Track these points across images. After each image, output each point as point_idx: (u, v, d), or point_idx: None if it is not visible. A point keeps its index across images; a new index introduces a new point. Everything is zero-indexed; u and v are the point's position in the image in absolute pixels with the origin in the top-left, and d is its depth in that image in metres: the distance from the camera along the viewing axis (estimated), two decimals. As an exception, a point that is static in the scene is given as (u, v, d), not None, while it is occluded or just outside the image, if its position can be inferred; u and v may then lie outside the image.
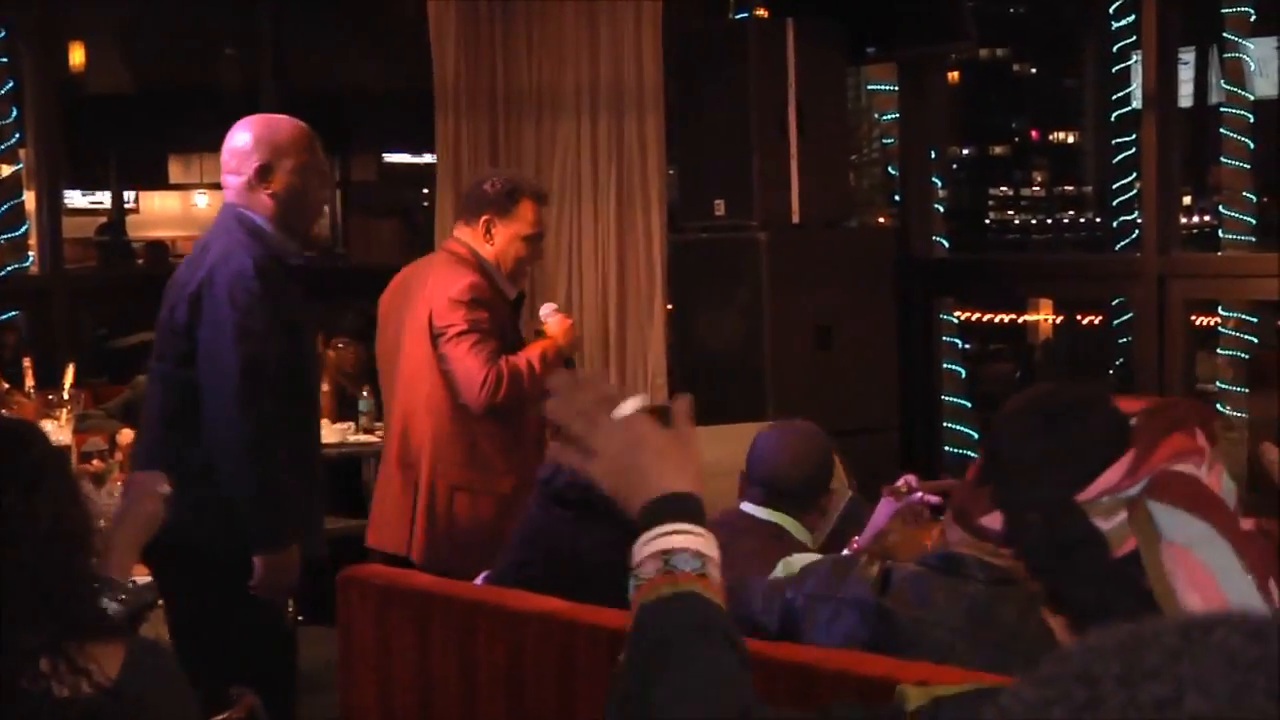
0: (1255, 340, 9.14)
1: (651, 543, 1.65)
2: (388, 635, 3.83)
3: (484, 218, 4.82)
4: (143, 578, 4.83)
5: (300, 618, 6.18)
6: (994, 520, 1.52)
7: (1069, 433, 1.46)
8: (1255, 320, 9.15)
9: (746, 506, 3.72)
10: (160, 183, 13.65)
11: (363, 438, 7.09)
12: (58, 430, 5.55)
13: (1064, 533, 1.42)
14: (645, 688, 1.58)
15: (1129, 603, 1.38)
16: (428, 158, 9.36)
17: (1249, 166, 9.29)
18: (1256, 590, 1.37)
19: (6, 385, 6.00)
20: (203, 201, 14.01)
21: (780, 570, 3.34)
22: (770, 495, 3.64)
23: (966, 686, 1.51)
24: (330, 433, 7.01)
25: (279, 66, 9.22)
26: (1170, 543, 1.38)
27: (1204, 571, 1.37)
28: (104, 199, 12.85)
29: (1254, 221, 9.31)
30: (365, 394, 7.25)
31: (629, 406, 1.75)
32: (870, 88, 9.42)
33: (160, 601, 4.80)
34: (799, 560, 3.36)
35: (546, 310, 4.89)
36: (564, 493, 3.64)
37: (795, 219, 7.62)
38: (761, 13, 7.95)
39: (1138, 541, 1.40)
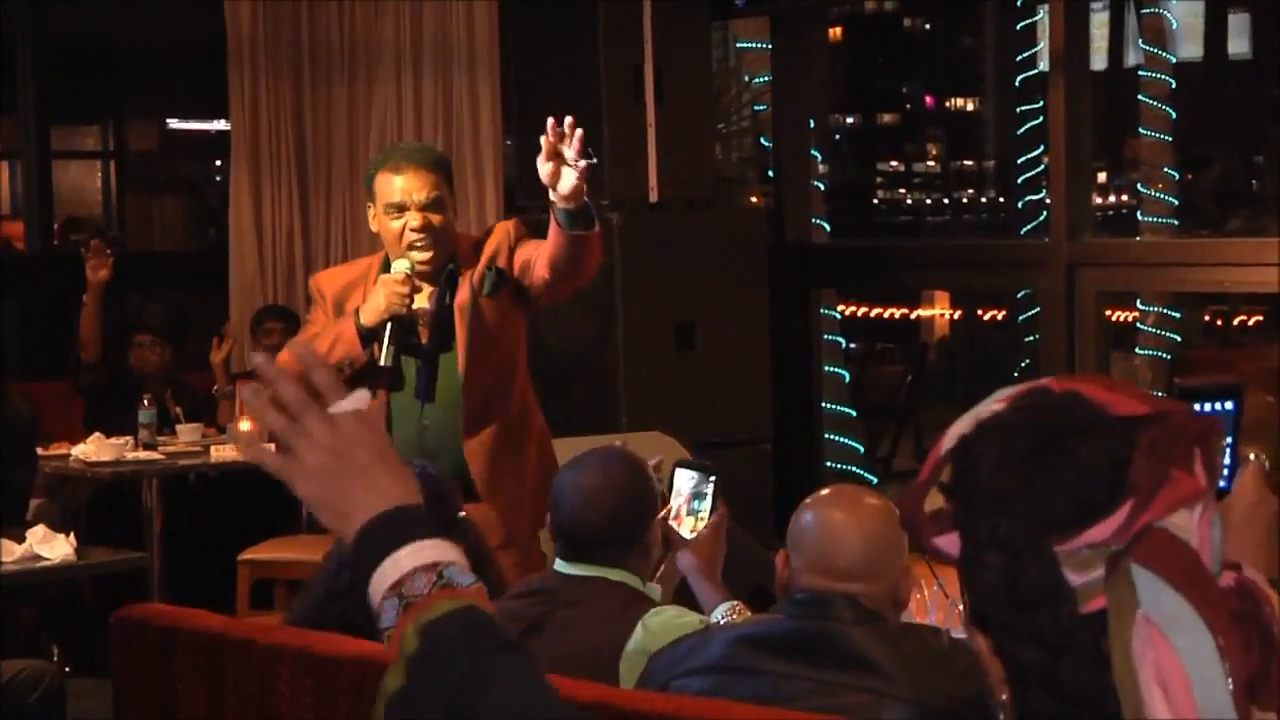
0: (1179, 339, 9.33)
1: (406, 558, 1.68)
2: (171, 686, 3.79)
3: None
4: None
5: (67, 669, 6.12)
6: (950, 544, 1.49)
7: (1060, 466, 1.42)
8: (1178, 316, 9.34)
9: (559, 565, 3.69)
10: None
11: (142, 455, 6.99)
12: None
13: (1029, 584, 1.40)
14: (461, 706, 1.60)
15: (1081, 670, 1.38)
16: (220, 124, 9.27)
17: (1170, 139, 9.46)
18: (1230, 701, 1.38)
19: None
20: (-53, 175, 13.75)
21: (639, 639, 3.37)
22: (573, 549, 3.62)
23: None
24: (103, 448, 6.92)
25: (38, 14, 9.09)
26: (1147, 616, 1.38)
27: (1178, 667, 1.36)
28: None
29: (1176, 202, 9.49)
30: (146, 402, 7.15)
31: (350, 403, 1.77)
32: (739, 46, 9.49)
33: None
34: (656, 622, 3.39)
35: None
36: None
37: (652, 198, 7.65)
38: (613, -43, 7.94)
39: (1110, 605, 1.39)
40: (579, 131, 4.41)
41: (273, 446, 1.83)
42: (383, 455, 1.75)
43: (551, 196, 4.49)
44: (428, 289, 4.75)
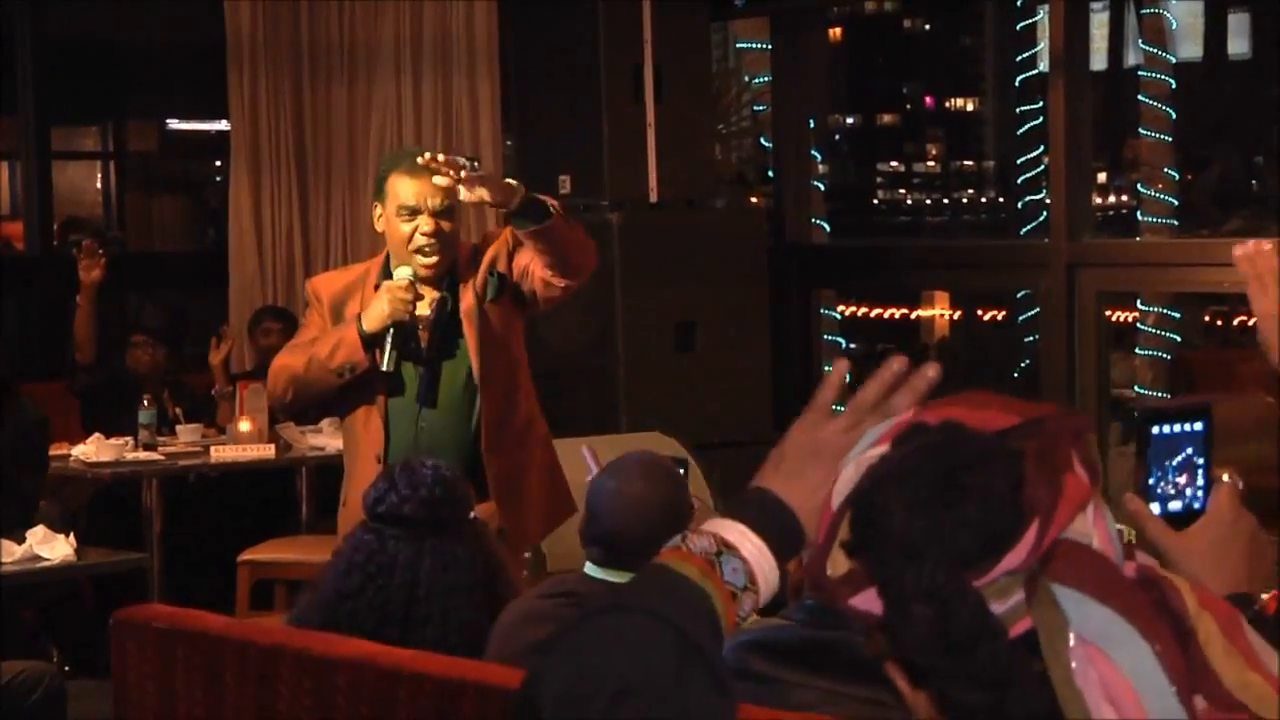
0: (1178, 339, 9.32)
1: (725, 527, 1.66)
2: (171, 687, 3.78)
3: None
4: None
5: (67, 669, 6.12)
6: (868, 601, 1.45)
7: (965, 502, 1.40)
8: (1178, 316, 9.34)
9: (590, 569, 3.68)
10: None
11: (142, 455, 6.99)
12: None
13: (960, 628, 1.38)
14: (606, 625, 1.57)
15: (1027, 699, 1.37)
16: (220, 125, 9.27)
17: (1170, 139, 9.46)
18: (1179, 704, 1.37)
19: None
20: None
21: None
22: (611, 555, 3.61)
23: None
24: (103, 448, 6.92)
25: (38, 15, 9.08)
26: (1081, 636, 1.37)
27: (1123, 683, 1.36)
28: None
29: (1176, 202, 9.48)
30: (146, 403, 7.15)
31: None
32: (739, 46, 9.49)
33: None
34: None
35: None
36: (400, 511, 3.62)
37: (652, 198, 7.65)
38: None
39: (1040, 629, 1.38)
40: (440, 158, 4.50)
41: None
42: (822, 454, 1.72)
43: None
44: (430, 295, 4.76)
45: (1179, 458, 2.18)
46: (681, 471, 3.88)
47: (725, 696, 1.60)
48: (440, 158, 4.50)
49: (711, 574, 1.61)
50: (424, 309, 4.74)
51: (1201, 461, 2.19)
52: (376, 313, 4.63)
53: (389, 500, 3.65)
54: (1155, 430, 2.19)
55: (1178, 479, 2.09)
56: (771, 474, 1.71)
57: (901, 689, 1.47)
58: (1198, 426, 2.20)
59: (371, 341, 4.64)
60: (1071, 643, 1.36)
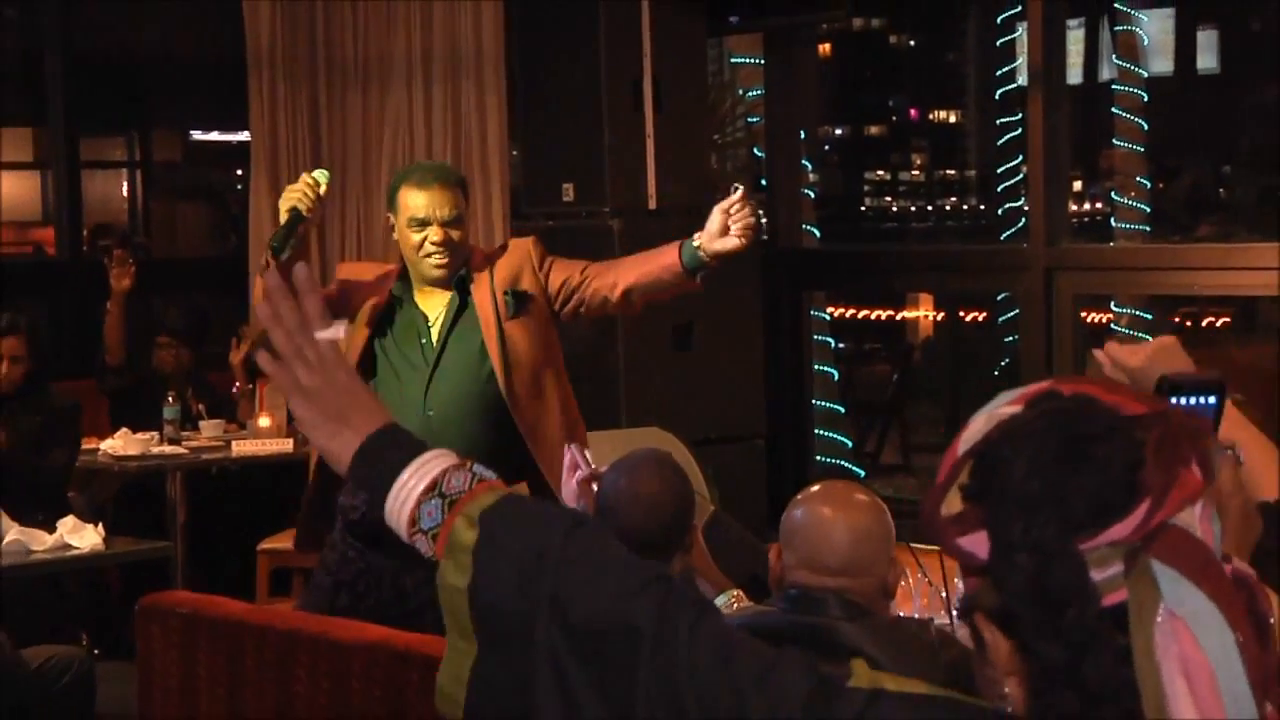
0: (1151, 339, 9.31)
1: (428, 465, 1.71)
2: (194, 670, 3.78)
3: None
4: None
5: (96, 652, 6.11)
6: (977, 544, 1.45)
7: (1085, 469, 1.40)
8: (1150, 317, 9.33)
9: None
10: (-68, 162, 13.37)
11: (167, 449, 6.99)
12: None
13: (1057, 584, 1.38)
14: (538, 580, 1.61)
15: (1104, 667, 1.36)
16: (242, 135, 9.26)
17: (1143, 149, 9.46)
18: (1251, 696, 1.36)
19: None
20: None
21: None
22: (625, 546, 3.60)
23: (911, 687, 1.54)
24: (129, 443, 6.92)
25: (67, 31, 9.07)
26: (1171, 611, 1.36)
27: (1202, 661, 1.35)
28: None
29: (1148, 209, 9.48)
30: (171, 399, 7.15)
31: (328, 332, 1.81)
32: (734, 61, 9.47)
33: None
34: None
35: None
36: (382, 533, 3.60)
37: (651, 205, 7.64)
38: (614, -24, 7.93)
39: (1131, 600, 1.38)
40: (744, 198, 4.54)
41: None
42: (356, 381, 1.79)
43: (701, 240, 4.57)
44: (442, 296, 4.79)
45: None
46: None
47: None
48: (750, 218, 4.52)
49: (494, 484, 1.71)
50: (436, 309, 4.77)
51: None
52: (280, 204, 4.68)
53: (364, 516, 3.62)
54: (1171, 401, 2.18)
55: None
56: (360, 428, 1.75)
57: (985, 636, 1.48)
58: (1211, 400, 2.19)
59: (271, 245, 4.64)
60: (1160, 616, 1.36)
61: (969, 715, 1.51)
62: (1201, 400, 2.21)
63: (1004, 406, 1.50)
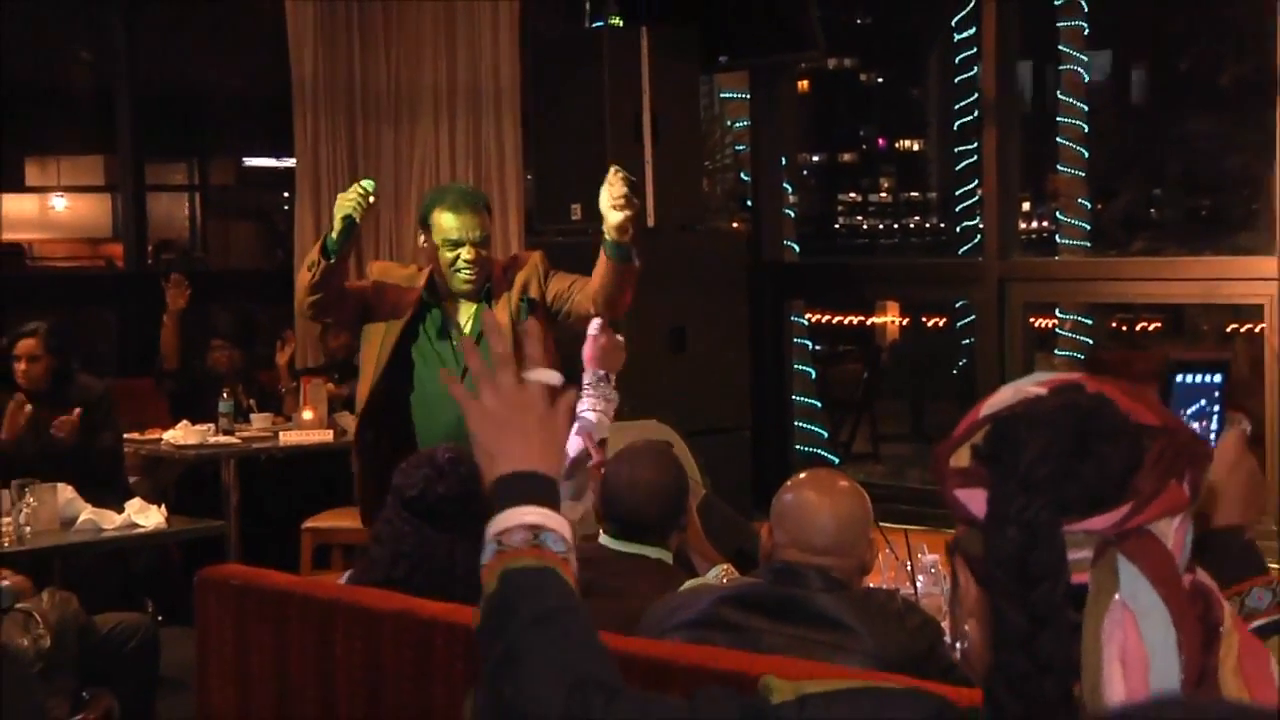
0: (1090, 342, 9.30)
1: (518, 514, 1.67)
2: (245, 635, 3.77)
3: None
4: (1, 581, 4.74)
5: (161, 618, 6.10)
6: (973, 499, 1.43)
7: (1087, 463, 1.38)
8: (1090, 322, 9.32)
9: (605, 540, 3.66)
10: (16, 185, 13.34)
11: (222, 439, 6.98)
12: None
13: (1038, 562, 1.36)
14: (516, 653, 1.58)
15: (1058, 641, 1.35)
16: (288, 162, 9.25)
17: (1083, 174, 9.46)
18: (1179, 691, 1.35)
19: None
20: (60, 204, 13.71)
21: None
22: (628, 530, 3.60)
23: (835, 684, 1.50)
24: (189, 434, 6.91)
25: (133, 69, 9.07)
26: (1124, 602, 1.35)
27: (1141, 653, 1.34)
28: (-43, 202, 12.55)
29: (1089, 227, 9.47)
30: (225, 395, 7.14)
31: (545, 376, 1.77)
32: (723, 95, 9.47)
33: (15, 605, 4.70)
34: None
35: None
36: (438, 509, 3.59)
37: (650, 223, 7.62)
38: (616, 21, 7.95)
39: (1092, 584, 1.36)
40: (620, 175, 4.50)
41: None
42: (547, 428, 1.73)
43: (604, 230, 4.57)
44: (470, 307, 4.80)
45: (1195, 406, 2.15)
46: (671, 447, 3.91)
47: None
48: (623, 189, 4.53)
49: (543, 553, 1.65)
50: (465, 317, 4.79)
51: (1216, 410, 2.16)
52: (338, 210, 4.66)
53: (422, 493, 3.62)
54: (1179, 379, 2.15)
55: (1191, 424, 2.05)
56: (503, 462, 1.71)
57: (960, 578, 1.47)
58: (1216, 378, 2.17)
59: (328, 246, 4.65)
60: (1113, 604, 1.35)
61: (889, 698, 1.49)
62: (1208, 378, 2.18)
63: (1032, 386, 1.47)
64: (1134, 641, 1.34)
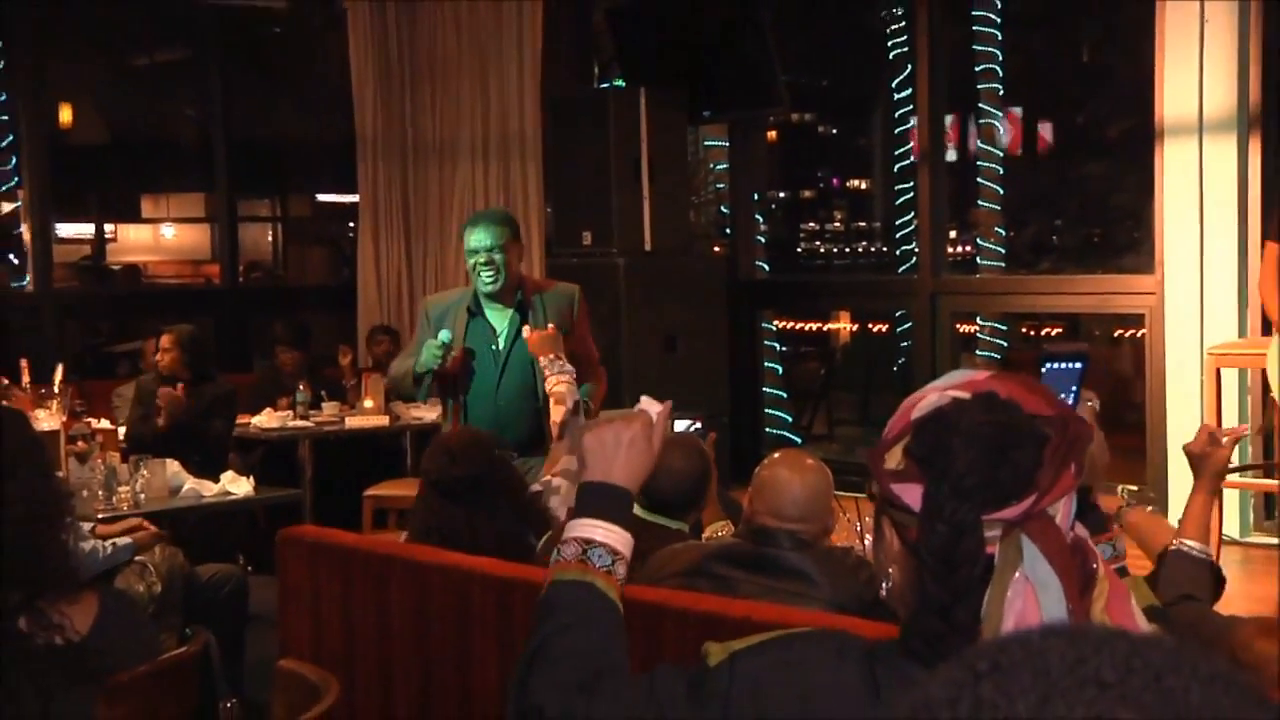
0: (1005, 344, 9.30)
1: (581, 526, 1.63)
2: (318, 584, 3.76)
3: None
4: (121, 539, 4.71)
5: (250, 569, 6.09)
6: (906, 493, 1.38)
7: (1005, 468, 1.34)
8: (1005, 328, 9.32)
9: (637, 510, 3.61)
10: (134, 217, 13.33)
11: (299, 423, 6.97)
12: (48, 417, 5.39)
13: (962, 553, 1.33)
14: (540, 652, 1.56)
15: (969, 610, 1.33)
16: (353, 197, 9.24)
17: (999, 208, 9.48)
18: None
19: (6, 381, 5.83)
20: (169, 232, 13.69)
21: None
22: (656, 505, 3.57)
23: (759, 637, 1.45)
24: (272, 419, 6.90)
25: (228, 122, 9.07)
26: (1025, 574, 1.32)
27: (1037, 616, 1.32)
28: (88, 230, 12.50)
29: (1004, 251, 9.49)
30: (301, 388, 7.13)
31: (650, 405, 1.73)
32: (707, 143, 9.46)
33: (135, 558, 4.69)
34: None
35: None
36: (454, 489, 3.58)
37: (647, 247, 7.63)
38: (620, 82, 7.96)
39: (999, 558, 1.33)
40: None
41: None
42: (638, 450, 1.69)
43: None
44: (504, 313, 4.75)
45: (1059, 386, 2.14)
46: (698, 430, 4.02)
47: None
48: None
49: (586, 568, 1.60)
50: (502, 324, 4.76)
51: (1074, 389, 2.15)
52: (424, 359, 4.63)
53: (441, 475, 3.60)
54: (1048, 366, 2.14)
55: None
56: (590, 472, 1.68)
57: (885, 533, 1.42)
58: (1077, 365, 2.15)
59: (420, 374, 4.67)
60: (1016, 576, 1.32)
61: (802, 640, 1.44)
62: (1070, 365, 2.17)
63: (954, 389, 1.41)
64: (1031, 609, 1.32)
